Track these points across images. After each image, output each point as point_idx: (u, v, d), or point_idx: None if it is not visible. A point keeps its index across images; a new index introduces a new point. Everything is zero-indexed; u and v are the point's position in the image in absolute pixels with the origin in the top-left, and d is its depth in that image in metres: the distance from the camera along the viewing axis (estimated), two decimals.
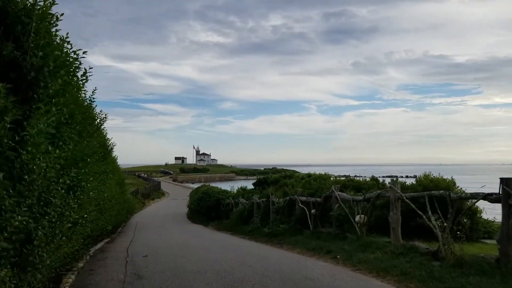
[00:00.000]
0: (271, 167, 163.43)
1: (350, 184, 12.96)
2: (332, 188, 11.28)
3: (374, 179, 14.76)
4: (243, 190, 23.10)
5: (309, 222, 12.51)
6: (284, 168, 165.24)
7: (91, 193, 6.77)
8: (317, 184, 13.87)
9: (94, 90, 6.68)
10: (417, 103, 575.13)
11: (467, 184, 12.56)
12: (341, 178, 19.14)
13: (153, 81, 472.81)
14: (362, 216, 9.76)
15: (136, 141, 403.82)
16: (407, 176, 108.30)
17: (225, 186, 40.68)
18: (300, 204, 13.34)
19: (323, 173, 22.74)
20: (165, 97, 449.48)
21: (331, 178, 19.27)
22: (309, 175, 17.91)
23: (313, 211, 12.45)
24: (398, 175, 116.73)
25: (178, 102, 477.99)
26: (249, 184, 25.30)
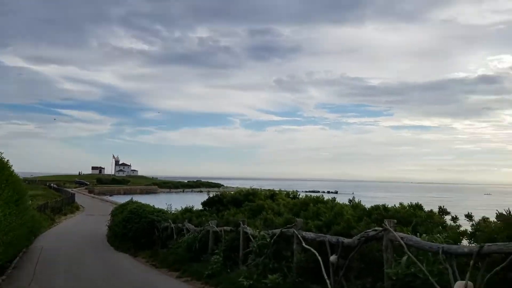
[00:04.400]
0: (195, 180, 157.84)
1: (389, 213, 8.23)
2: (385, 223, 6.66)
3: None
4: (189, 211, 17.76)
5: (325, 276, 7.81)
6: (209, 181, 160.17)
7: None
8: (329, 213, 9.12)
9: None
10: (334, 121, 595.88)
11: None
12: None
13: (70, 86, 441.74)
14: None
15: (50, 148, 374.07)
16: (329, 192, 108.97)
17: (149, 200, 34.67)
18: (304, 244, 8.61)
19: (275, 189, 18.34)
20: (83, 103, 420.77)
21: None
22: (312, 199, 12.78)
23: (333, 257, 7.78)
24: (320, 190, 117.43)
25: (97, 109, 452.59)
26: (195, 202, 20.00)
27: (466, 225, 8.66)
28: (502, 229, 6.39)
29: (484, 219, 8.03)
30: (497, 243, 5.07)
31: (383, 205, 8.99)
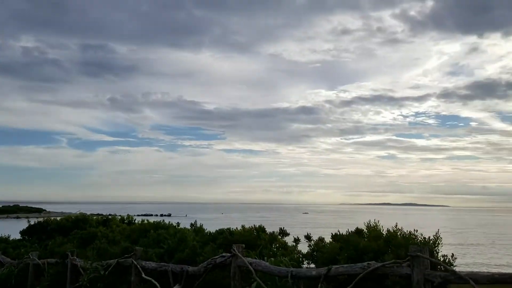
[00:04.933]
0: (11, 204, 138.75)
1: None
2: (234, 248, 6.39)
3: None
4: (4, 242, 15.03)
5: None
6: (29, 205, 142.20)
7: None
8: (172, 240, 8.42)
9: None
10: (170, 143, 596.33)
11: None
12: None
13: None
14: None
15: None
16: (162, 215, 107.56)
17: None
18: (144, 275, 7.82)
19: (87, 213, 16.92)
20: None
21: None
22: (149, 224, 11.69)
23: (176, 287, 7.20)
24: (154, 213, 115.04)
25: None
26: (12, 231, 17.12)
27: (303, 246, 9.04)
28: (340, 249, 6.73)
29: (321, 239, 8.46)
30: (343, 265, 5.22)
31: (228, 229, 8.79)
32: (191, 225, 10.36)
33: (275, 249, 7.97)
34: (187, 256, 7.76)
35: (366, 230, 7.11)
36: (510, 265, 30.81)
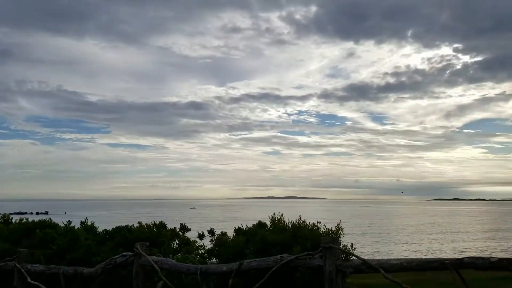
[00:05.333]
0: None
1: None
2: (137, 247, 5.99)
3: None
4: None
5: None
6: None
7: None
8: (62, 240, 7.56)
9: None
10: (48, 136, 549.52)
11: None
12: None
13: None
14: None
15: None
16: (38, 213, 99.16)
17: None
18: (30, 280, 6.99)
19: None
20: None
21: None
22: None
23: None
24: (29, 211, 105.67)
25: None
26: None
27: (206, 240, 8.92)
28: (246, 243, 6.74)
29: (223, 234, 8.42)
30: (256, 259, 5.21)
31: (126, 226, 8.30)
32: (81, 223, 9.59)
33: (176, 246, 7.72)
34: (81, 257, 7.15)
35: (270, 223, 7.21)
36: (379, 252, 33.92)
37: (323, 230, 6.56)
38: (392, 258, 26.99)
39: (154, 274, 5.95)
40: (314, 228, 6.57)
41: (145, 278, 6.09)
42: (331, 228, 6.54)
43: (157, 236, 7.75)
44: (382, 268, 4.21)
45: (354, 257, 4.58)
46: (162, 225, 8.64)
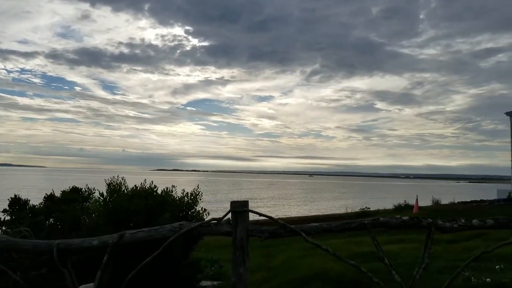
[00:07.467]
0: None
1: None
2: None
3: None
4: None
5: None
6: None
7: None
8: None
9: None
10: None
11: None
12: None
13: None
14: None
15: None
16: None
17: None
18: None
19: None
20: None
21: None
22: None
23: None
24: None
25: None
26: None
27: None
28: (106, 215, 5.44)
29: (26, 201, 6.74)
30: (143, 229, 4.30)
31: None
32: None
33: None
34: None
35: (107, 189, 5.95)
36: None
37: (178, 196, 5.89)
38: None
39: None
40: (168, 193, 5.83)
41: None
42: (188, 193, 5.93)
43: None
44: (303, 231, 4.13)
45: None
46: None
